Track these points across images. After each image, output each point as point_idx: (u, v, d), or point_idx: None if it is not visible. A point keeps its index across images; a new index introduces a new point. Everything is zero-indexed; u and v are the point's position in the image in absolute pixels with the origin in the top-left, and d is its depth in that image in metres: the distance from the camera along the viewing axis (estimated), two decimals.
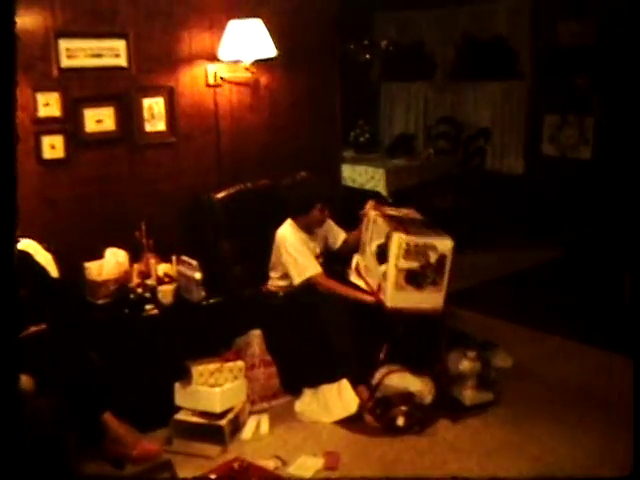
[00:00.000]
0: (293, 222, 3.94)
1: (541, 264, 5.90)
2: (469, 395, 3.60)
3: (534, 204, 6.56)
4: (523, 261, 5.99)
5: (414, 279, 3.45)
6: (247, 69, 4.41)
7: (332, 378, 3.62)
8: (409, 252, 3.42)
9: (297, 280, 3.80)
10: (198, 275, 3.64)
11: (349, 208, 4.19)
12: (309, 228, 3.95)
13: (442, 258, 3.40)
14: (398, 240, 3.40)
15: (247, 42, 4.19)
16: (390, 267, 3.44)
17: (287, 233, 3.91)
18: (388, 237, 3.46)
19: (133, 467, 3.06)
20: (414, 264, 3.42)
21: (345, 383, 3.58)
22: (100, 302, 3.61)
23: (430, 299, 3.49)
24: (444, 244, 3.42)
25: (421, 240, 3.42)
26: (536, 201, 6.56)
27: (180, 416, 3.36)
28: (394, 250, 3.41)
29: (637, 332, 3.27)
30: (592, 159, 6.23)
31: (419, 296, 3.48)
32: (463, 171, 6.50)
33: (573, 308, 4.88)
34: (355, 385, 3.58)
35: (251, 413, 3.56)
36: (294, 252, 3.82)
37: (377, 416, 3.43)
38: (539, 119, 6.63)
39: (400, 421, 3.38)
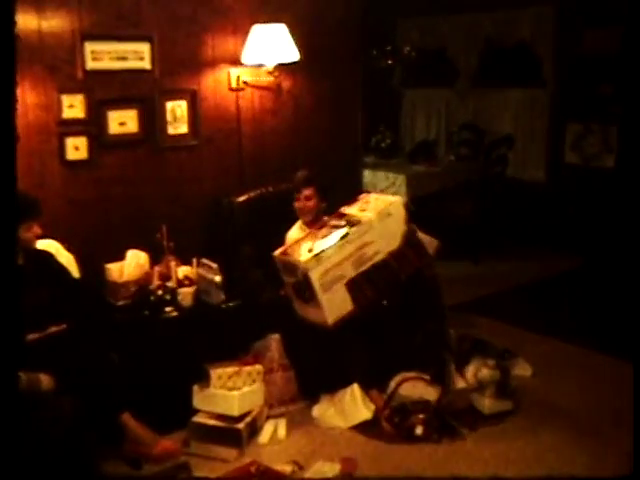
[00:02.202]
0: (301, 222, 4.02)
1: (562, 273, 5.85)
2: (488, 404, 3.57)
3: (556, 212, 6.51)
4: (544, 269, 5.95)
5: (298, 293, 3.50)
6: (270, 73, 4.43)
7: (348, 383, 3.62)
8: (284, 268, 3.52)
9: None
10: (218, 278, 3.65)
11: None
12: (311, 223, 3.93)
13: (305, 276, 3.35)
14: (275, 256, 3.56)
15: (270, 46, 4.21)
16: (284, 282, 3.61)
17: (290, 234, 3.99)
18: None
19: (150, 468, 3.08)
20: (292, 279, 3.48)
21: (356, 388, 3.58)
22: (120, 303, 3.63)
23: (316, 314, 3.46)
24: (301, 264, 3.36)
25: (286, 259, 3.46)
26: (558, 209, 6.51)
27: (198, 419, 3.36)
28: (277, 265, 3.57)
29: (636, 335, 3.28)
30: (615, 168, 6.17)
31: (308, 309, 3.50)
32: (484, 178, 6.46)
33: (594, 318, 4.84)
34: (367, 389, 3.59)
35: (269, 417, 3.55)
36: None
37: (395, 424, 3.41)
38: (562, 127, 6.58)
39: (419, 430, 3.35)
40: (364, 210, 3.63)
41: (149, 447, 3.06)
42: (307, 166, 4.13)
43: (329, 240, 3.46)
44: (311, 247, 3.44)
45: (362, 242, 3.49)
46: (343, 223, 3.57)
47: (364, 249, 3.50)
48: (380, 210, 3.60)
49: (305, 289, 3.41)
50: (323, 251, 3.39)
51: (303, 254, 3.41)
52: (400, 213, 3.65)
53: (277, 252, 3.57)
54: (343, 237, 3.46)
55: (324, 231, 3.57)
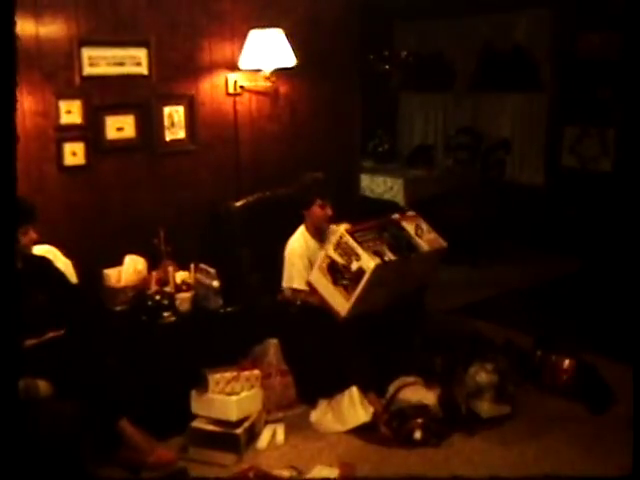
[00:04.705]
0: (304, 229, 3.98)
1: (560, 276, 5.85)
2: (486, 408, 3.57)
3: (554, 216, 6.52)
4: (542, 273, 5.95)
5: (333, 271, 3.56)
6: (267, 78, 4.42)
7: (347, 387, 3.61)
8: (340, 245, 3.55)
9: (283, 285, 3.91)
10: (216, 283, 3.65)
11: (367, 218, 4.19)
12: (318, 231, 3.95)
13: (361, 272, 3.45)
14: (341, 229, 3.62)
15: (267, 51, 4.21)
16: (325, 250, 3.64)
17: (293, 241, 3.96)
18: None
19: (148, 474, 3.07)
20: (339, 259, 3.53)
21: (355, 391, 3.57)
22: (118, 309, 3.63)
23: (337, 300, 3.54)
24: (368, 262, 3.44)
25: (354, 244, 3.51)
26: (556, 213, 6.52)
27: (196, 424, 3.36)
28: (334, 236, 3.61)
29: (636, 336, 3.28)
30: (613, 171, 6.18)
31: (330, 289, 3.57)
32: (482, 182, 6.47)
33: (591, 321, 4.83)
34: (365, 392, 3.58)
35: (267, 422, 3.55)
36: (289, 260, 3.90)
37: (394, 429, 3.41)
38: (559, 130, 6.59)
39: (417, 434, 3.36)
40: (420, 236, 3.75)
41: (145, 454, 3.05)
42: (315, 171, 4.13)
43: (394, 250, 3.56)
44: (379, 250, 3.52)
45: (413, 267, 3.69)
46: (405, 240, 3.67)
47: (410, 273, 3.69)
48: (434, 248, 3.75)
49: (347, 277, 3.50)
50: (390, 261, 3.50)
51: (370, 252, 3.48)
52: (437, 259, 3.85)
53: (346, 228, 3.64)
54: (406, 255, 3.59)
55: (387, 238, 3.62)
